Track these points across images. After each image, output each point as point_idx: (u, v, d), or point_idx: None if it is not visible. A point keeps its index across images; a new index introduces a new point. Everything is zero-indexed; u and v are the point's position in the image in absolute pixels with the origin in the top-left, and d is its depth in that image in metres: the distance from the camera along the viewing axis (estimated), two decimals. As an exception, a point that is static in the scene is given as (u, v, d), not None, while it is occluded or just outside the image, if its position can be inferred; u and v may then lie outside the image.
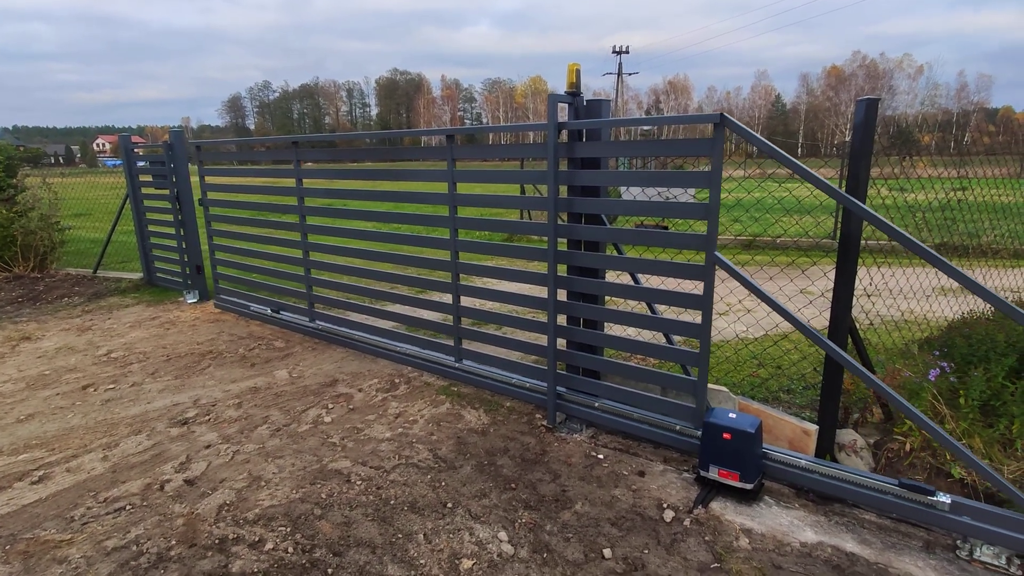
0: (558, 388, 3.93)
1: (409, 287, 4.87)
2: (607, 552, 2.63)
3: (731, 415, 3.06)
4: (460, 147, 4.15)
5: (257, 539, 2.73)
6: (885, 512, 2.85)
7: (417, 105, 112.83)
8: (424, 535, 2.74)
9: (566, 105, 3.64)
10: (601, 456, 3.49)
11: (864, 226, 2.97)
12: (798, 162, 2.79)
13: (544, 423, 3.90)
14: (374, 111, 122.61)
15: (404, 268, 5.49)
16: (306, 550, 2.65)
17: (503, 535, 2.73)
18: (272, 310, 6.16)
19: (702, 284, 3.08)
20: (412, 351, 4.88)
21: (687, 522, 2.84)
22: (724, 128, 2.92)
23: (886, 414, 3.40)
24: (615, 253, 3.81)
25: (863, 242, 3.04)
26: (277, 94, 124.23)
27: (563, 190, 3.75)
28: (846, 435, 3.26)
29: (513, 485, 3.18)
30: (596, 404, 3.73)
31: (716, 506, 2.97)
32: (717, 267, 3.02)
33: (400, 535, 2.75)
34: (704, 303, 3.09)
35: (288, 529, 2.79)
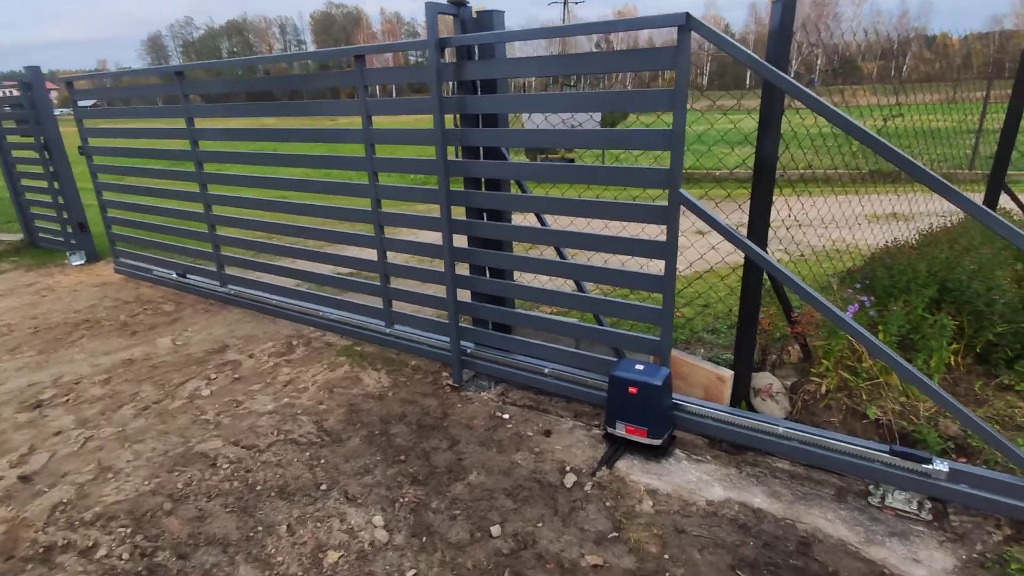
0: (463, 344, 3.58)
1: (315, 240, 4.34)
2: (495, 529, 2.35)
3: (638, 366, 2.77)
4: (343, 74, 3.57)
5: (90, 544, 2.33)
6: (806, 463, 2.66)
7: (356, 41, 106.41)
8: (288, 525, 2.39)
9: (450, 17, 3.09)
10: (507, 416, 3.19)
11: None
12: (782, 74, 2.36)
13: (451, 382, 3.56)
14: (310, 48, 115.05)
15: (315, 220, 4.92)
16: (146, 554, 2.26)
17: (379, 519, 2.41)
18: (178, 274, 5.50)
19: (664, 228, 2.66)
20: (312, 309, 4.42)
21: (588, 487, 2.59)
22: (690, 33, 2.44)
23: (805, 353, 3.20)
24: (519, 191, 3.39)
25: (800, 172, 2.71)
26: (201, 31, 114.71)
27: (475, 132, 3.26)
28: (762, 379, 3.05)
29: (403, 457, 2.85)
30: (494, 357, 3.40)
31: (622, 466, 2.73)
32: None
33: (260, 527, 2.39)
34: (668, 251, 2.65)
35: (129, 530, 2.40)
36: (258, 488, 2.63)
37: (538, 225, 3.26)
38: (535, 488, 2.60)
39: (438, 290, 3.58)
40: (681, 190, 2.53)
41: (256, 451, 2.92)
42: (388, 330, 3.93)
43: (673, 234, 2.63)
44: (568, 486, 2.60)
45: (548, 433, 3.02)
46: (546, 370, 3.26)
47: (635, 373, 2.72)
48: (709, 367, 3.04)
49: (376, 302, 4.00)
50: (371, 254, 3.78)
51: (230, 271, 5.03)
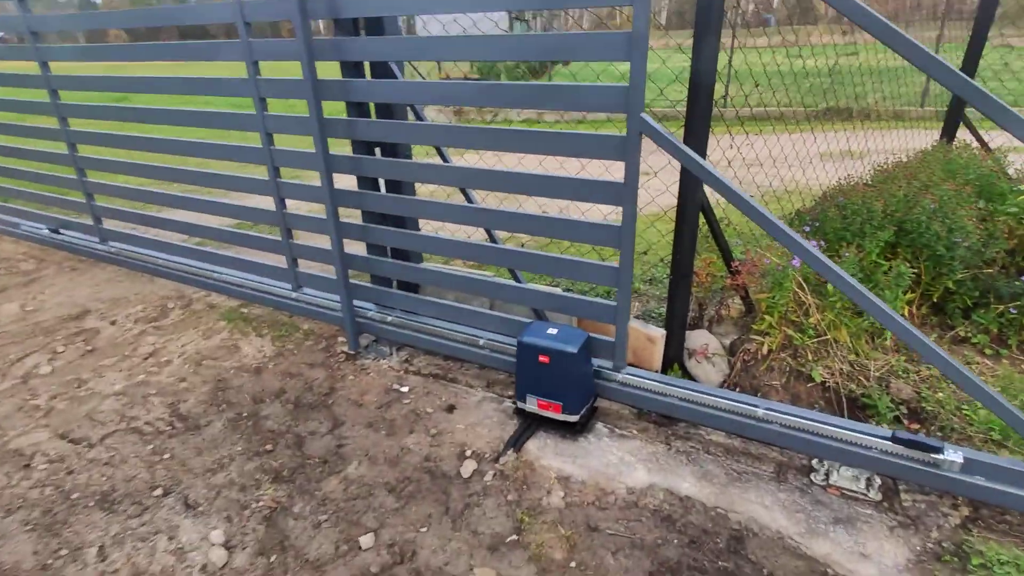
0: (357, 304, 3.04)
1: (202, 186, 3.59)
2: (367, 539, 1.90)
3: (551, 330, 2.31)
4: None
5: None
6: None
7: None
8: (100, 547, 1.88)
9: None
10: (406, 388, 2.71)
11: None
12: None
13: (346, 349, 3.05)
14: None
15: (200, 162, 4.16)
16: (-102, 598, 1.72)
17: (218, 533, 1.92)
18: (50, 229, 4.68)
19: (622, 166, 2.06)
20: (196, 267, 3.76)
21: (490, 476, 2.16)
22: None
23: (747, 306, 2.80)
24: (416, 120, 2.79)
25: (752, 109, 2.20)
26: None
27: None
28: (698, 338, 2.64)
29: (271, 446, 2.35)
30: (390, 319, 2.89)
31: (533, 447, 2.31)
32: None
33: (65, 551, 1.87)
34: (626, 195, 2.08)
35: None
36: (75, 496, 2.10)
37: (441, 162, 2.69)
38: (425, 480, 2.15)
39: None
40: (644, 115, 1.95)
41: (86, 445, 2.37)
42: (293, 293, 3.32)
43: (633, 173, 2.04)
44: (465, 476, 2.17)
45: (451, 409, 2.57)
46: (458, 334, 2.77)
47: (547, 339, 2.26)
48: (638, 326, 2.61)
49: (273, 259, 3.38)
50: (268, 202, 3.11)
51: (111, 225, 4.25)
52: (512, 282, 2.62)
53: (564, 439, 2.35)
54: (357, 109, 2.69)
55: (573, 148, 2.12)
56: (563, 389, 2.27)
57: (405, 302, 2.91)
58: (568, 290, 3.39)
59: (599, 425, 2.44)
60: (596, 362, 2.43)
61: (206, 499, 2.07)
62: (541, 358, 2.25)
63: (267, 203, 3.09)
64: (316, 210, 3.22)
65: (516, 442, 2.31)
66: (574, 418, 2.30)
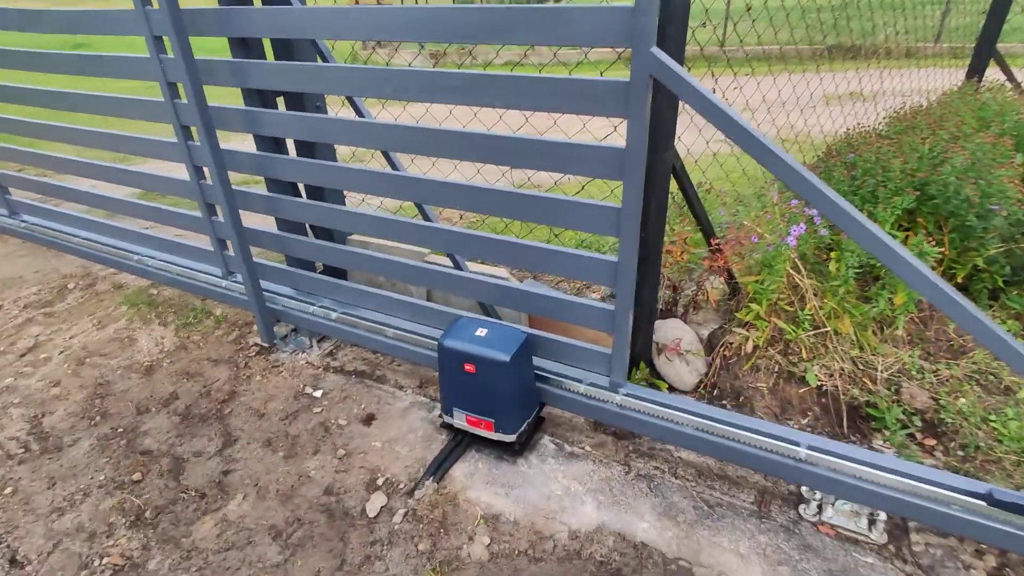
0: (269, 288, 2.56)
1: (110, 151, 2.99)
2: (229, 613, 1.49)
3: (479, 331, 1.83)
4: None
5: None
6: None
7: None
8: None
9: None
10: (321, 392, 2.27)
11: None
12: None
13: (259, 340, 2.59)
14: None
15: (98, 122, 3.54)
16: None
17: (36, 609, 1.50)
18: None
19: (623, 125, 1.43)
20: (104, 243, 3.24)
21: (400, 515, 1.73)
22: None
23: (731, 290, 2.33)
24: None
25: (748, 48, 1.67)
26: None
27: None
28: (669, 330, 2.18)
29: (140, 473, 1.92)
30: (312, 308, 2.41)
31: (460, 473, 1.88)
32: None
33: None
34: (629, 166, 1.45)
35: None
36: None
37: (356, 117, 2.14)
38: (320, 522, 1.73)
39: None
40: (655, 50, 1.33)
41: (-88, 476, 1.94)
42: (223, 281, 2.80)
43: (638, 134, 1.40)
44: (372, 515, 1.74)
45: (370, 420, 2.13)
46: (389, 329, 2.29)
47: (473, 343, 1.79)
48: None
49: (194, 239, 2.86)
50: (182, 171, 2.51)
51: (21, 196, 3.68)
52: (455, 270, 2.12)
53: (500, 461, 1.92)
54: (243, 48, 2.12)
55: (552, 99, 1.49)
56: (494, 404, 1.82)
57: (321, 287, 2.42)
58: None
59: (545, 440, 2.00)
60: (588, 379, 1.89)
61: (39, 554, 1.65)
62: (466, 367, 1.79)
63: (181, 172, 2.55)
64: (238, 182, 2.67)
65: (439, 468, 1.88)
66: (509, 438, 1.86)
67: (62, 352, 2.58)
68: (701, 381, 2.16)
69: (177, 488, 1.87)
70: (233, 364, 2.46)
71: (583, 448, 1.97)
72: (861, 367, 2.02)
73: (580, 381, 1.89)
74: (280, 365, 2.45)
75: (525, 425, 1.89)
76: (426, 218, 2.17)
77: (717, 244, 2.13)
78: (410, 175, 1.94)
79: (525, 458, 1.93)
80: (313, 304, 2.41)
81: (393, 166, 2.15)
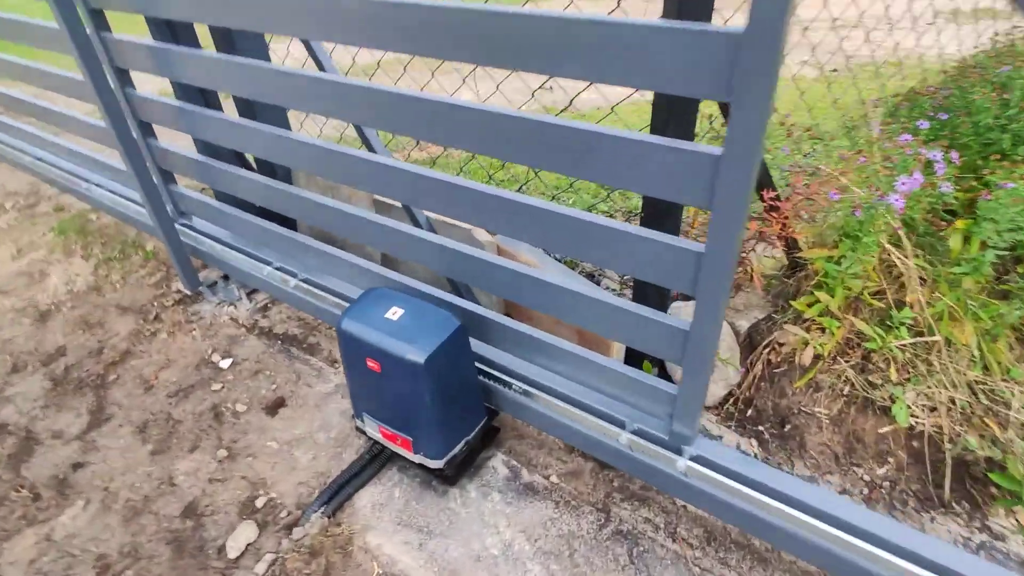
0: (195, 226, 2.04)
1: None
2: None
3: (392, 312, 1.24)
4: None
5: None
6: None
7: None
8: None
9: None
10: (229, 362, 1.78)
11: None
12: None
13: (183, 287, 2.10)
14: None
15: None
16: None
17: None
18: None
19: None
20: (51, 161, 2.80)
21: (264, 566, 1.23)
22: None
23: (791, 264, 1.61)
24: None
25: None
26: None
27: None
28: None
29: (-27, 458, 1.50)
30: (242, 258, 1.88)
31: (367, 502, 1.35)
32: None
33: None
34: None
35: None
36: None
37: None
38: (163, 558, 1.26)
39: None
40: None
41: None
42: (144, 208, 2.33)
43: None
44: (232, 555, 1.25)
45: (276, 408, 1.62)
46: (319, 293, 1.73)
47: (377, 329, 1.21)
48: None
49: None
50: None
51: None
52: (413, 229, 1.51)
53: (426, 489, 1.37)
54: None
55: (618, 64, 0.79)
56: (410, 417, 1.26)
57: (254, 232, 1.86)
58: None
59: (497, 459, 1.44)
60: (636, 418, 1.21)
61: None
62: (369, 362, 1.22)
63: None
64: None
65: (336, 494, 1.35)
66: (434, 464, 1.30)
67: (-39, 285, 2.19)
68: (730, 394, 1.51)
69: (13, 481, 1.45)
70: (143, 314, 2.00)
71: (548, 478, 1.40)
72: (984, 400, 1.32)
73: (620, 426, 1.23)
74: (197, 319, 1.96)
75: (460, 447, 1.32)
76: (371, 149, 1.55)
77: (774, 199, 1.42)
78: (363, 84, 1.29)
79: (462, 488, 1.37)
80: (245, 251, 1.87)
81: (371, 148, 1.50)
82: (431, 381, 1.18)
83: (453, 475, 1.36)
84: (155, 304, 2.05)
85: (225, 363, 1.77)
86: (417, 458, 1.31)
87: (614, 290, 2.06)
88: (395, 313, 1.23)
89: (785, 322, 1.47)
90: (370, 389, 1.29)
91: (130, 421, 1.60)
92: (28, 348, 1.88)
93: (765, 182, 1.43)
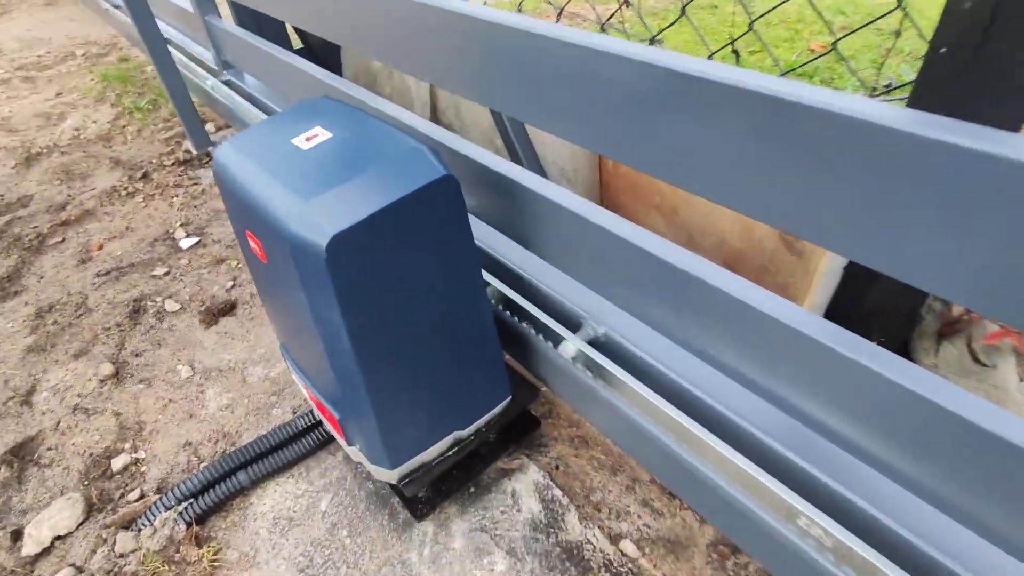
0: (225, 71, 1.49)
1: None
2: None
3: (312, 133, 0.55)
4: None
5: None
6: None
7: None
8: None
9: None
10: (193, 242, 1.24)
11: None
12: None
13: (192, 147, 1.61)
14: None
15: None
16: None
17: None
18: None
19: None
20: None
21: (55, 588, 0.67)
22: None
23: None
24: None
25: None
26: None
27: None
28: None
29: None
30: (254, 110, 1.31)
31: (268, 511, 0.73)
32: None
33: None
34: None
35: None
36: None
37: None
38: (-71, 527, 0.75)
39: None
40: None
41: None
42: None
43: None
44: (31, 552, 0.71)
45: (221, 314, 1.04)
46: None
47: (268, 168, 0.53)
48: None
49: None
50: None
51: None
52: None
53: (377, 510, 0.72)
54: None
55: None
56: (331, 373, 0.58)
57: (284, 72, 1.27)
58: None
59: (526, 476, 0.74)
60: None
61: None
62: (251, 242, 0.56)
63: None
64: None
65: (224, 479, 0.74)
66: (383, 475, 0.63)
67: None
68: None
69: None
70: (133, 171, 1.53)
71: (618, 543, 0.68)
72: None
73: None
74: (190, 184, 1.45)
75: (442, 451, 0.63)
76: None
77: None
78: None
79: (440, 524, 0.70)
80: (257, 101, 1.30)
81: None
82: (354, 298, 0.49)
83: (428, 498, 0.69)
84: (153, 162, 1.57)
85: (187, 243, 1.23)
86: (355, 455, 0.65)
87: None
88: (314, 138, 0.54)
89: None
90: (270, 299, 0.64)
91: (36, 300, 1.12)
92: (-6, 194, 1.49)
93: None
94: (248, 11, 1.24)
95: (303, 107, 0.61)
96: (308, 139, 0.54)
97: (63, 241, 1.29)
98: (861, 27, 0.80)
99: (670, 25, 1.08)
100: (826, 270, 0.67)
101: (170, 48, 1.46)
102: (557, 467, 0.77)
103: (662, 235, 0.56)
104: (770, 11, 1.06)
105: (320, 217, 0.46)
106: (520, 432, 0.77)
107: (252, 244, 0.56)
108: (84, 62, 2.38)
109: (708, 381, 0.54)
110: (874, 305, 0.68)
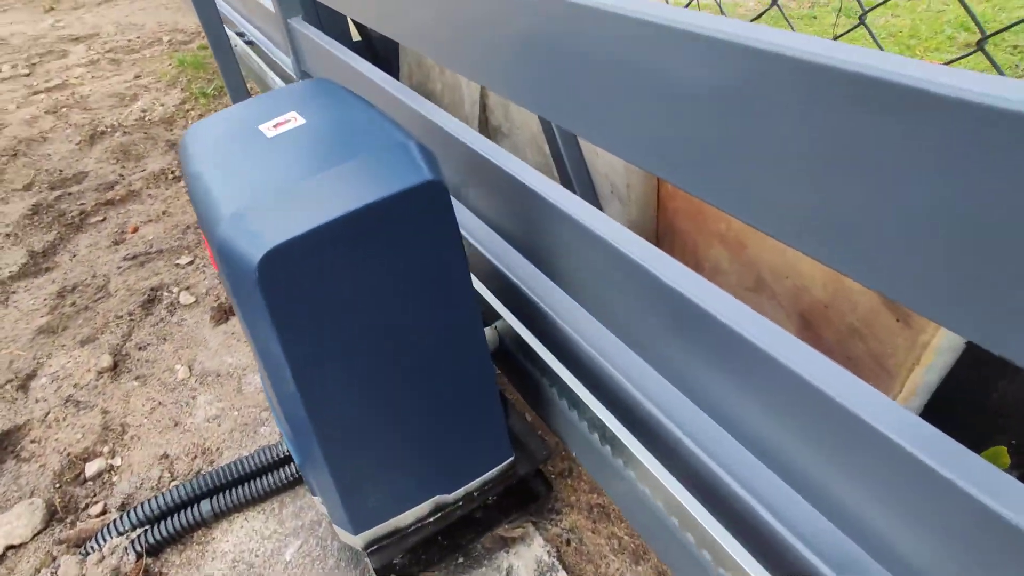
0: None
1: None
2: None
3: (285, 118, 0.45)
4: None
5: None
6: None
7: None
8: None
9: None
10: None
11: None
12: None
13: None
14: None
15: None
16: None
17: None
18: None
19: None
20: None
21: (-12, 610, 0.60)
22: None
23: None
24: None
25: None
26: None
27: None
28: None
29: None
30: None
31: (229, 551, 0.63)
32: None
33: None
34: None
35: None
36: None
37: None
38: None
39: None
40: None
41: None
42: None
43: None
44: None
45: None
46: None
47: (217, 163, 0.43)
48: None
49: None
50: None
51: None
52: None
53: (345, 570, 0.61)
54: None
55: None
56: (282, 411, 0.48)
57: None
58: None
59: (529, 550, 0.61)
60: None
61: None
62: (206, 244, 0.46)
63: None
64: None
65: (186, 506, 0.65)
66: (347, 538, 0.52)
67: (71, 94, 1.96)
68: None
69: None
70: (156, 145, 1.52)
71: None
72: None
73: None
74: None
75: (419, 516, 0.52)
76: None
77: None
78: None
79: (418, 599, 0.58)
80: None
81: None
82: (297, 327, 0.38)
83: (403, 567, 0.57)
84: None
85: (217, 232, 1.18)
86: (321, 505, 0.54)
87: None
88: (283, 124, 0.44)
89: None
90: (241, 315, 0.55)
91: (63, 279, 1.10)
92: (53, 167, 1.52)
93: None
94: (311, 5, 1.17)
95: (292, 88, 0.52)
96: (276, 126, 0.44)
97: (103, 220, 1.28)
98: (1000, 31, 0.62)
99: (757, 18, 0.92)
100: (941, 345, 0.50)
101: (240, 40, 1.44)
102: (568, 542, 0.63)
103: (724, 272, 0.42)
104: (868, 9, 0.88)
105: (259, 224, 0.36)
106: (527, 497, 0.64)
107: (208, 248, 0.46)
108: (168, 48, 2.45)
109: (751, 471, 0.40)
110: (1010, 396, 0.50)
